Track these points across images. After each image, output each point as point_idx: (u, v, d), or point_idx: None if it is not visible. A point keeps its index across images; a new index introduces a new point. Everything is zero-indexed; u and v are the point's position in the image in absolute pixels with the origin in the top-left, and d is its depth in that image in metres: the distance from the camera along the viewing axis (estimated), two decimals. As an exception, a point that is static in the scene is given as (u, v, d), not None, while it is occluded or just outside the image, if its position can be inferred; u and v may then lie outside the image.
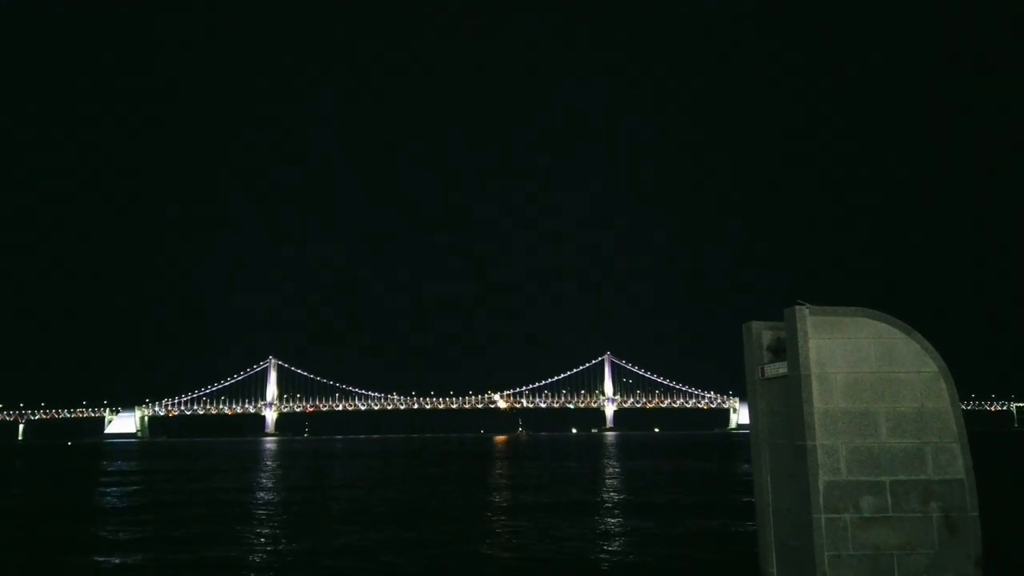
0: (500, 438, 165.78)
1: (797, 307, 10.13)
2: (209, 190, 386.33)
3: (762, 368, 11.35)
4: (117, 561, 14.33)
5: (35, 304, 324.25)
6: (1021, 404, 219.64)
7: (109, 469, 50.56)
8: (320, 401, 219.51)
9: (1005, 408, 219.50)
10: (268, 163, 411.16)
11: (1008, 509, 18.24)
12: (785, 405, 10.61)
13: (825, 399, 9.90)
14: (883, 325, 10.07)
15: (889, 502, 9.64)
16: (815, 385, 9.91)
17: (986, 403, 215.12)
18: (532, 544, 15.62)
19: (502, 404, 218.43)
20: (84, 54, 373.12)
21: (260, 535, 17.28)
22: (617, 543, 15.98)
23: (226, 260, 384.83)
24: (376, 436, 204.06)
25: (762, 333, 11.45)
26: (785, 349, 10.60)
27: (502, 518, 18.28)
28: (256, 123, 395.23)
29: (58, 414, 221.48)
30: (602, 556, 14.45)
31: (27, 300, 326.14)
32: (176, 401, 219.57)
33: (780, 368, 10.70)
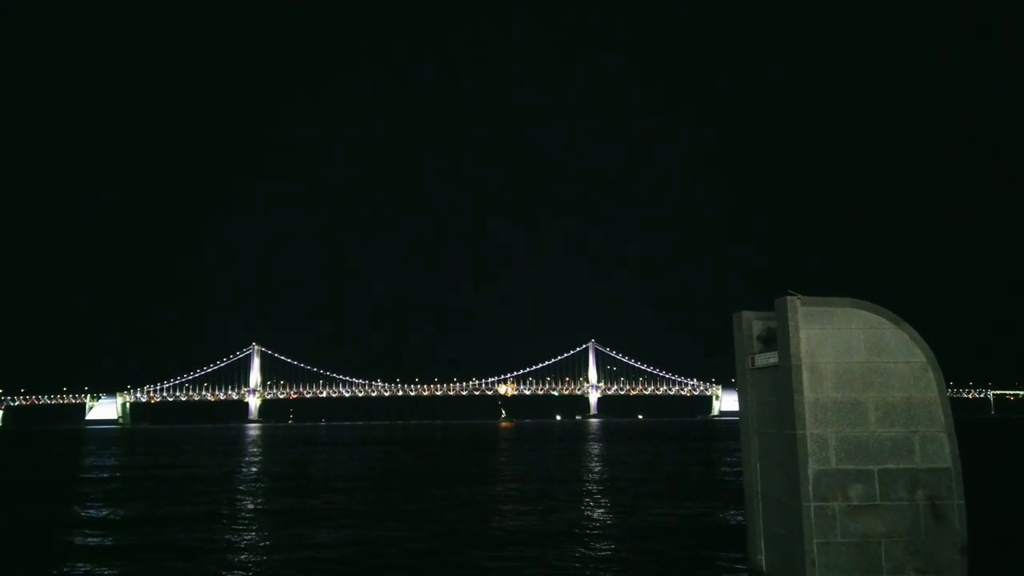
0: (505, 424, 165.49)
1: (788, 298, 10.19)
2: (192, 178, 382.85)
3: (752, 358, 11.42)
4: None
5: (15, 290, 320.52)
6: (998, 392, 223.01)
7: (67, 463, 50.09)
8: (304, 388, 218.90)
9: (983, 396, 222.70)
10: (252, 151, 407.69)
11: (992, 497, 18.52)
12: (775, 394, 10.69)
13: (815, 389, 9.98)
14: (873, 316, 10.16)
15: (877, 490, 9.75)
16: (805, 375, 9.99)
17: (964, 391, 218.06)
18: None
19: (509, 390, 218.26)
20: (78, 49, 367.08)
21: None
22: (600, 535, 16.08)
23: (208, 246, 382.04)
24: (360, 423, 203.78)
25: (752, 323, 11.52)
26: (775, 339, 10.66)
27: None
28: (245, 117, 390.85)
29: (38, 400, 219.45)
30: (585, 545, 14.54)
31: (7, 286, 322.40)
32: (158, 387, 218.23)
33: (770, 358, 10.77)
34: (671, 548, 13.79)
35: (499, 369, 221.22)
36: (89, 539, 16.21)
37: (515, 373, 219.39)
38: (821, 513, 9.70)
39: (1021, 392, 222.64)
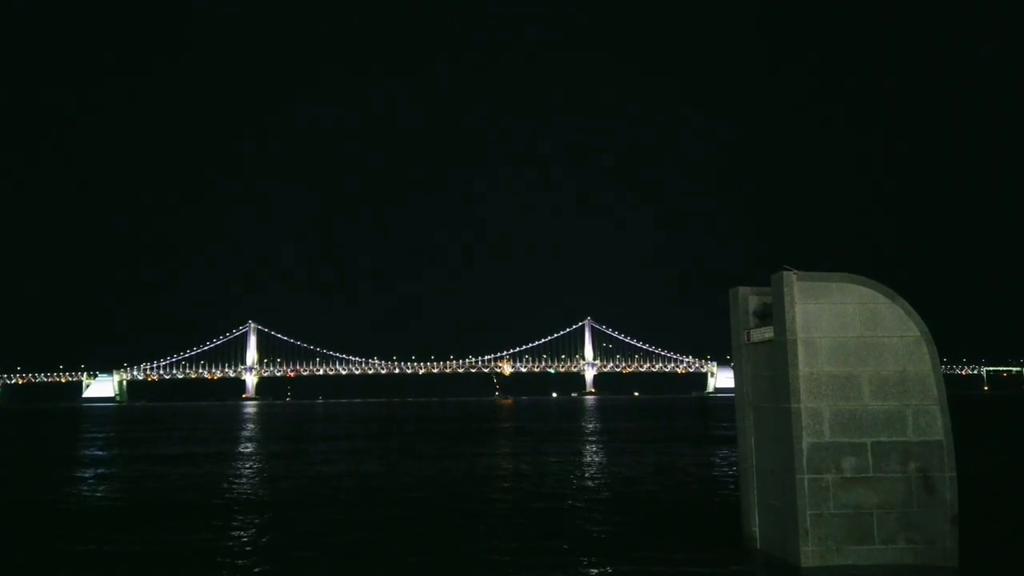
0: (506, 402, 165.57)
1: (784, 272, 10.26)
2: (187, 157, 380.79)
3: (748, 332, 11.51)
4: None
5: (11, 268, 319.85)
6: (991, 368, 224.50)
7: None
8: (301, 365, 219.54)
9: (976, 372, 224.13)
10: (245, 126, 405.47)
11: (983, 470, 18.76)
12: (770, 369, 10.79)
13: (810, 363, 10.08)
14: (868, 290, 10.24)
15: (870, 463, 9.89)
16: (800, 349, 10.09)
17: (957, 367, 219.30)
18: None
19: (507, 369, 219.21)
20: (71, 34, 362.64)
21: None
22: (596, 504, 16.22)
23: (205, 224, 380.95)
24: (358, 400, 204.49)
25: (748, 298, 11.60)
26: (771, 314, 10.75)
27: None
28: (238, 93, 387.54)
29: (35, 378, 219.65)
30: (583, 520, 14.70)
31: (3, 264, 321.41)
32: (155, 365, 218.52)
33: (766, 333, 10.86)
34: (664, 518, 13.95)
35: (496, 347, 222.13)
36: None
37: (511, 350, 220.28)
38: (815, 485, 9.85)
39: (1014, 369, 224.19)
